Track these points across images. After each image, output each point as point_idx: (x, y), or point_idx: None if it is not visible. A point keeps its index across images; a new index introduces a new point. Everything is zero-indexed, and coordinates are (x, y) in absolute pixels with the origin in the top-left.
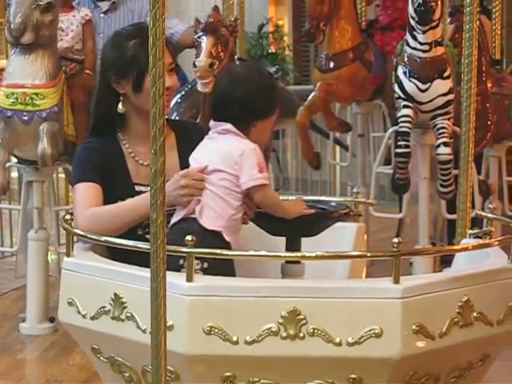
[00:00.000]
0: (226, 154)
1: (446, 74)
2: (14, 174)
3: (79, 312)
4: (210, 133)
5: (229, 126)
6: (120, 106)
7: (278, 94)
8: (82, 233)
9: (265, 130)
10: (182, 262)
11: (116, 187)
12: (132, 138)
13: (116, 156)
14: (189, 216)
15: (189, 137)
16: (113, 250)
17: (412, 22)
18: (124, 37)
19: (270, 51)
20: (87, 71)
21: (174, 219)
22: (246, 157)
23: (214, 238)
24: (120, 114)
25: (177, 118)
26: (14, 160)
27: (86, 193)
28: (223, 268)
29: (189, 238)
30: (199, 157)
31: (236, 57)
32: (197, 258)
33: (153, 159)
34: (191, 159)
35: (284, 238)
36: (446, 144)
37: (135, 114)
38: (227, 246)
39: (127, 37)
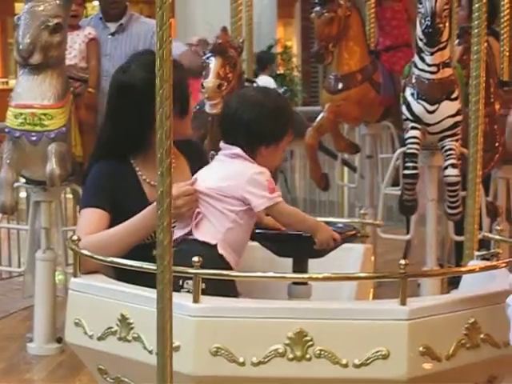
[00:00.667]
0: (234, 179)
1: (453, 96)
2: (23, 194)
3: (86, 332)
4: (219, 154)
5: (239, 150)
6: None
7: (290, 117)
8: (88, 253)
9: (277, 154)
10: (181, 282)
11: (132, 209)
12: (144, 163)
13: (131, 179)
14: (188, 237)
15: (198, 156)
16: (120, 271)
17: (420, 44)
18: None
19: (278, 72)
20: (90, 89)
21: (177, 233)
22: (256, 180)
23: (206, 251)
24: (140, 139)
25: None
26: (22, 180)
27: (89, 219)
28: (221, 289)
29: (195, 259)
30: (205, 177)
31: (244, 78)
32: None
33: (159, 181)
34: (196, 178)
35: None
36: (453, 165)
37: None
38: (221, 259)
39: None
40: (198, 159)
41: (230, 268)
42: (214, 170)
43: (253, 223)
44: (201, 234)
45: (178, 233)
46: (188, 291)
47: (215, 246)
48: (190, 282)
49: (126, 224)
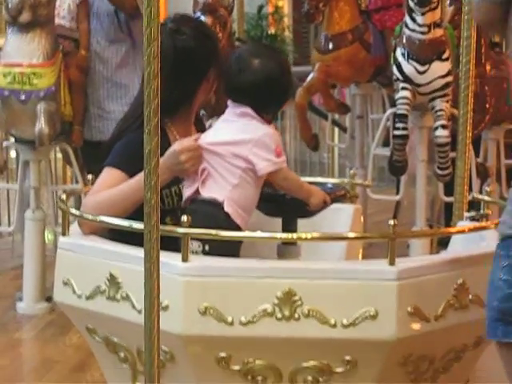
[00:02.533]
0: (242, 138)
1: (444, 56)
2: (12, 154)
3: (74, 292)
4: (226, 113)
5: (247, 109)
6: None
7: (291, 82)
8: (77, 213)
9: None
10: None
11: None
12: (180, 127)
13: (165, 148)
14: (196, 196)
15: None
16: (118, 234)
17: (411, 4)
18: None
19: (269, 32)
20: (83, 52)
21: (186, 192)
22: (263, 142)
23: (213, 209)
24: (176, 102)
25: None
26: (12, 139)
27: (105, 178)
28: (225, 250)
29: (184, 218)
30: (211, 136)
31: (235, 37)
32: (199, 240)
33: (146, 139)
34: (203, 135)
35: (280, 220)
36: (444, 126)
37: (197, 102)
38: (227, 217)
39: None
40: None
41: (237, 226)
42: (220, 129)
43: (261, 182)
44: (207, 191)
45: (188, 191)
46: (192, 252)
47: (222, 204)
48: (195, 242)
49: (131, 181)
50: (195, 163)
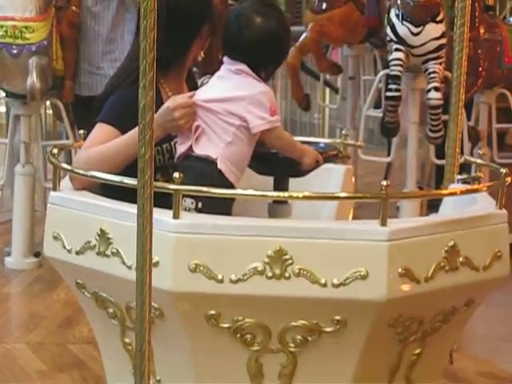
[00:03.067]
0: (237, 95)
1: (438, 18)
2: (3, 109)
3: (64, 247)
4: (221, 69)
5: (244, 66)
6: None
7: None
8: (68, 167)
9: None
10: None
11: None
12: (173, 84)
13: (158, 105)
14: (190, 153)
15: (194, 86)
16: (109, 190)
17: None
18: None
19: None
20: (73, 8)
21: (180, 148)
22: (258, 100)
23: (207, 167)
24: (170, 60)
25: None
26: (2, 94)
27: (97, 134)
28: (218, 207)
29: (176, 174)
30: (206, 90)
31: None
32: (191, 197)
33: (141, 94)
34: (197, 91)
35: (271, 179)
36: (436, 89)
37: (189, 59)
38: (220, 175)
39: None
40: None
41: (230, 184)
42: (215, 85)
43: (254, 140)
44: (201, 149)
45: (181, 148)
46: (185, 209)
47: (215, 161)
48: (188, 199)
49: (124, 137)
50: (189, 120)
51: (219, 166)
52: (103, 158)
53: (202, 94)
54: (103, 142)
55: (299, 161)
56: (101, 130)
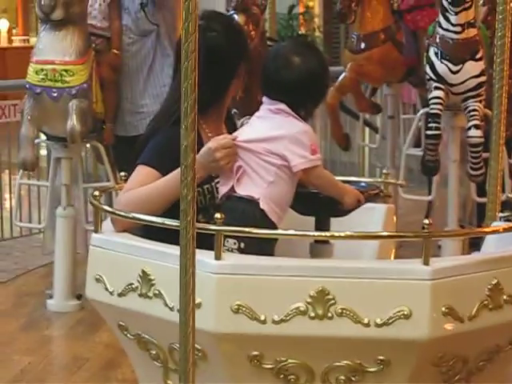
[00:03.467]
0: (277, 134)
1: (478, 56)
2: (44, 152)
3: (106, 289)
4: (261, 109)
5: (283, 106)
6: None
7: (328, 78)
8: (110, 209)
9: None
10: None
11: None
12: (212, 125)
13: (198, 146)
14: (232, 193)
15: (232, 126)
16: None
17: (445, 3)
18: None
19: (300, 32)
20: (115, 51)
21: (222, 189)
22: (298, 139)
23: (249, 207)
24: (210, 101)
25: None
26: (43, 137)
27: (138, 177)
28: (261, 248)
29: (218, 215)
30: (247, 130)
31: (267, 37)
32: (234, 237)
33: (183, 135)
34: (238, 132)
35: (313, 219)
36: (477, 126)
37: (228, 99)
38: (263, 215)
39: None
40: (231, 129)
41: (272, 224)
42: (255, 126)
43: (296, 179)
44: (243, 189)
45: (223, 189)
46: (228, 250)
47: (257, 201)
48: (231, 240)
49: (165, 178)
50: (230, 160)
51: (262, 206)
52: (144, 200)
53: (242, 135)
54: (144, 184)
55: (341, 200)
56: (142, 172)
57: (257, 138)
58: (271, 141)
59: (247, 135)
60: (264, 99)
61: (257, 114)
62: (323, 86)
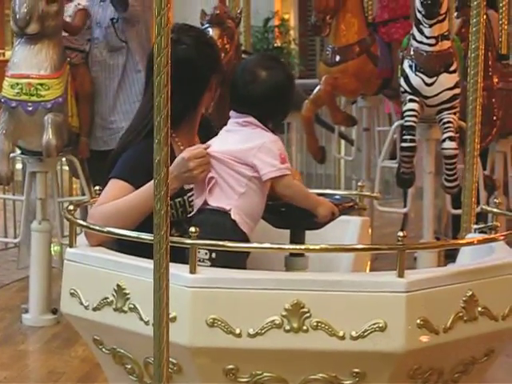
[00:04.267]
0: (247, 146)
1: (452, 68)
2: (19, 166)
3: (81, 303)
4: (229, 123)
5: (251, 118)
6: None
7: (293, 92)
8: (84, 223)
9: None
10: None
11: None
12: (184, 137)
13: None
14: (204, 207)
15: (209, 133)
16: (124, 246)
17: (418, 16)
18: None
19: (275, 45)
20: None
21: (197, 202)
22: (268, 148)
23: (221, 219)
24: (182, 114)
25: None
26: (18, 151)
27: (111, 190)
28: (232, 258)
29: (192, 229)
30: (217, 143)
31: (242, 50)
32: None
33: (156, 149)
34: (208, 143)
35: (288, 232)
36: (451, 138)
37: (200, 112)
38: (234, 226)
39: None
40: (207, 137)
41: (244, 234)
42: (224, 139)
43: (266, 190)
44: (214, 200)
45: (198, 201)
46: (199, 260)
47: (229, 212)
48: (202, 250)
49: (137, 192)
50: (204, 170)
51: (233, 217)
52: (117, 214)
53: (214, 147)
54: (117, 197)
55: (314, 211)
56: (114, 186)
57: (227, 150)
58: (241, 153)
59: (217, 148)
60: (231, 113)
61: (225, 128)
62: (288, 98)
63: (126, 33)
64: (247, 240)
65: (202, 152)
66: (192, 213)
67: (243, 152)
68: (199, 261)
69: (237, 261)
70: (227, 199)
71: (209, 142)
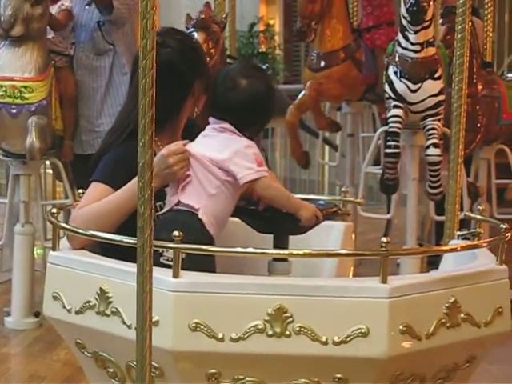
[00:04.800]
0: (221, 151)
1: (437, 75)
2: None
3: (64, 306)
4: (207, 129)
5: (227, 125)
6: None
7: (274, 103)
8: (67, 226)
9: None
10: (160, 250)
11: None
12: (167, 142)
13: None
14: (174, 207)
15: (193, 136)
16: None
17: (404, 22)
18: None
19: (260, 50)
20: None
21: (172, 200)
22: (243, 153)
23: (189, 219)
24: (164, 118)
25: None
26: (2, 153)
27: (92, 193)
28: (201, 258)
29: (176, 233)
30: (195, 147)
31: (227, 54)
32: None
33: (141, 153)
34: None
35: (271, 236)
36: (435, 145)
37: (183, 117)
38: (202, 227)
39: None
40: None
41: (209, 236)
42: (201, 143)
43: (237, 195)
44: (185, 197)
45: (172, 200)
46: (167, 259)
47: (197, 212)
48: (171, 250)
49: (117, 193)
50: (184, 166)
51: (200, 216)
52: (98, 216)
53: (192, 149)
54: (97, 200)
55: (296, 214)
56: (95, 189)
57: (203, 153)
58: (217, 156)
59: (195, 150)
60: (210, 119)
61: (202, 133)
62: (267, 108)
63: (112, 35)
64: (213, 241)
65: (181, 148)
66: (163, 210)
67: (218, 158)
68: (168, 260)
69: (205, 262)
70: (197, 198)
71: (187, 146)
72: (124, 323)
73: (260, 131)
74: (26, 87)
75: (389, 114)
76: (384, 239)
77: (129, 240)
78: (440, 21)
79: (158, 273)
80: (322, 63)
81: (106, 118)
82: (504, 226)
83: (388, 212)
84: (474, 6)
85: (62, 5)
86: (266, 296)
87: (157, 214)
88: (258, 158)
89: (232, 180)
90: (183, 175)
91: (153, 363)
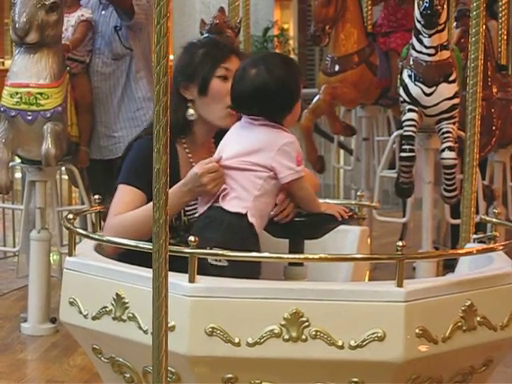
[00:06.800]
0: (262, 148)
1: (451, 78)
2: (18, 175)
3: (81, 312)
4: (242, 120)
5: (264, 120)
6: (191, 111)
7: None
8: (84, 232)
9: (295, 116)
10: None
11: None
12: (194, 146)
13: (172, 163)
14: (213, 204)
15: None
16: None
17: (418, 26)
18: (195, 46)
19: None
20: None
21: (200, 210)
22: (285, 151)
23: (236, 220)
24: (186, 121)
25: None
26: (18, 160)
27: (122, 198)
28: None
29: (191, 238)
30: (231, 143)
31: None
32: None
33: (156, 158)
34: (222, 143)
35: (287, 241)
36: (450, 148)
37: (200, 120)
38: (251, 227)
39: (198, 46)
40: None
41: (257, 236)
42: (237, 137)
43: (277, 188)
44: (229, 205)
45: (201, 209)
46: (216, 259)
47: (245, 215)
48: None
49: (149, 205)
50: (217, 184)
51: (250, 220)
52: (133, 225)
53: (226, 149)
54: (128, 204)
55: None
56: (123, 192)
57: (242, 151)
58: (257, 153)
59: (231, 149)
60: (243, 117)
61: (238, 123)
62: (289, 86)
63: (129, 40)
64: (258, 240)
65: (215, 166)
66: (197, 214)
67: (260, 152)
68: (210, 265)
69: (250, 264)
70: (243, 203)
71: (222, 142)
72: (140, 328)
73: (287, 114)
74: (41, 94)
75: (403, 118)
76: (400, 243)
77: (144, 245)
78: (454, 24)
79: (174, 278)
80: (337, 67)
81: (125, 123)
82: None
83: (403, 216)
84: (491, 8)
85: (82, 15)
86: (282, 300)
87: (180, 223)
88: (299, 155)
89: (274, 175)
90: (218, 191)
91: (169, 368)
